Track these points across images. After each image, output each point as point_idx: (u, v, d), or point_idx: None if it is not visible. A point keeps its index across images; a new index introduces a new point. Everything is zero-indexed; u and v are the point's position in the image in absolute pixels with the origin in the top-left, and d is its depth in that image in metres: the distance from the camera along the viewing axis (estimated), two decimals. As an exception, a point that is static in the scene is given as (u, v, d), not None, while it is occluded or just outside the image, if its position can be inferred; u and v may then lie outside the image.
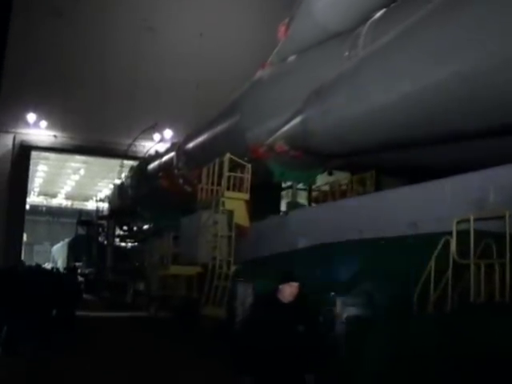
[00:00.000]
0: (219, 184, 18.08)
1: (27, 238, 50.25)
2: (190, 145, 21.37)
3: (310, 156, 15.89)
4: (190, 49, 36.42)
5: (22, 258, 36.30)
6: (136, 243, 31.52)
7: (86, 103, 34.61)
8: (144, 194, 26.83)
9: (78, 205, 64.65)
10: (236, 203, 17.29)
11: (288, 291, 6.53)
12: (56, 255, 55.20)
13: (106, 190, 58.26)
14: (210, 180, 18.24)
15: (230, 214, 17.33)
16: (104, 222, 36.47)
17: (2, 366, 11.70)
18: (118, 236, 34.37)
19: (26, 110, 34.19)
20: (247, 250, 17.20)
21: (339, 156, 14.92)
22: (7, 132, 34.55)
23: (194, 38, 36.47)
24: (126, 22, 36.62)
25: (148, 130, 31.65)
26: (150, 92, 35.36)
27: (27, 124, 34.65)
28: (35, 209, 64.52)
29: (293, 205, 17.82)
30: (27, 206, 42.36)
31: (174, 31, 37.10)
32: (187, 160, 21.74)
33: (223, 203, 17.18)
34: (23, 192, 36.38)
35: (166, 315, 21.14)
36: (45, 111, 34.44)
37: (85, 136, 34.80)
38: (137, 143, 35.10)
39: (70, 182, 60.53)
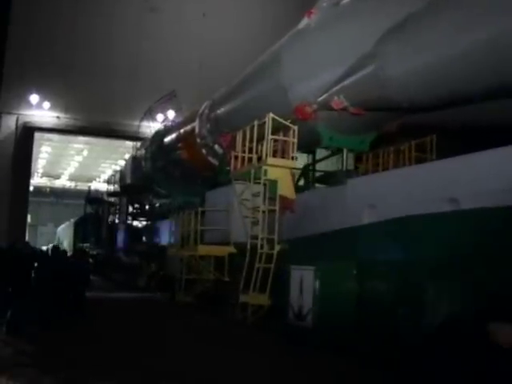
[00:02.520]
0: (256, 151, 14.47)
1: (31, 219, 48.54)
2: (218, 109, 17.57)
3: (375, 112, 12.36)
4: (192, 29, 34.38)
5: (26, 239, 33.52)
6: (149, 222, 27.38)
7: (88, 84, 32.46)
8: (160, 167, 22.94)
9: (81, 186, 61.31)
10: (280, 172, 13.74)
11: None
12: (61, 236, 51.32)
13: (109, 170, 56.00)
14: (246, 146, 14.55)
15: (274, 184, 13.71)
16: (114, 200, 32.54)
17: (8, 344, 10.82)
18: (130, 214, 30.39)
19: (29, 91, 32.00)
20: (294, 226, 13.65)
21: (419, 109, 11.34)
22: (10, 113, 32.40)
23: (196, 19, 34.63)
24: (128, 2, 34.58)
25: (165, 99, 27.68)
26: (152, 72, 33.19)
27: (30, 105, 32.48)
28: (39, 190, 61.11)
29: (344, 173, 14.22)
30: (31, 188, 40.35)
31: (177, 11, 34.75)
32: (213, 127, 18.02)
33: (265, 172, 13.55)
34: (27, 173, 34.28)
35: (189, 300, 17.48)
36: (48, 92, 32.26)
37: (88, 117, 32.91)
38: (140, 124, 32.72)
39: (74, 163, 57.23)
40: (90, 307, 14.78)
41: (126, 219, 28.92)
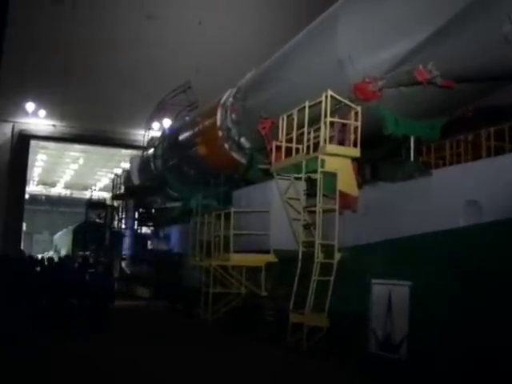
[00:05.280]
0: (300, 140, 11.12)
1: (26, 227, 46.59)
2: (248, 95, 14.13)
3: (472, 83, 9.11)
4: (188, 36, 32.49)
5: (22, 247, 32.42)
6: (159, 227, 23.40)
7: (85, 92, 30.59)
8: (172, 166, 19.30)
9: (77, 194, 58.56)
10: (340, 162, 10.34)
11: None
12: (59, 244, 47.35)
13: (105, 179, 54.27)
14: (293, 133, 11.18)
15: (331, 178, 10.35)
16: (119, 204, 28.85)
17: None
18: (137, 219, 26.48)
19: (25, 99, 30.51)
20: (358, 229, 10.29)
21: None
22: (6, 121, 30.80)
23: (192, 26, 32.77)
24: (125, 9, 32.69)
25: (179, 90, 24.19)
26: (148, 80, 31.00)
27: (26, 113, 30.92)
28: (34, 198, 58.72)
29: (415, 165, 10.93)
30: (26, 196, 38.75)
31: (173, 19, 32.94)
32: (240, 117, 14.55)
33: (323, 162, 10.16)
34: (22, 181, 32.63)
35: (215, 318, 13.99)
36: (44, 100, 30.70)
37: (84, 125, 31.27)
38: (136, 132, 31.08)
39: (69, 171, 55.00)
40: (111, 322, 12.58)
41: (133, 224, 25.14)
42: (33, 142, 33.37)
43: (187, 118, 20.58)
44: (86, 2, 31.69)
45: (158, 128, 28.22)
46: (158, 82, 29.58)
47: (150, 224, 24.46)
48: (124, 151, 38.82)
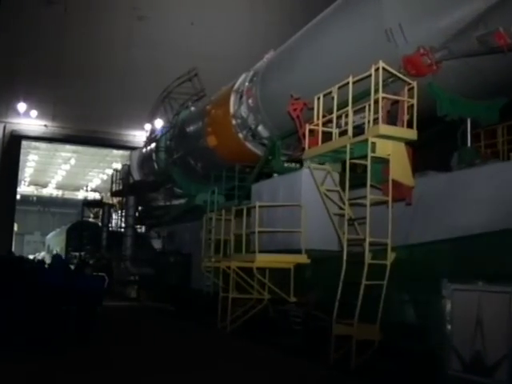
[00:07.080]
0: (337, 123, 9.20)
1: (18, 228, 43.74)
2: (268, 78, 12.12)
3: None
4: (181, 38, 31.39)
5: (13, 248, 31.40)
6: (162, 225, 21.01)
7: (76, 92, 29.43)
8: (178, 160, 17.17)
9: (68, 194, 56.75)
10: (393, 147, 8.40)
11: None
12: (51, 244, 44.86)
13: (96, 179, 53.68)
14: (328, 116, 9.24)
15: (379, 165, 8.44)
16: (118, 201, 26.71)
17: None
18: (138, 217, 24.05)
19: (17, 99, 29.30)
20: (415, 224, 8.38)
21: None
22: None
23: (185, 27, 31.71)
24: (117, 10, 31.60)
25: (184, 78, 22.09)
26: (141, 81, 29.91)
27: (17, 113, 29.64)
28: (26, 199, 56.03)
29: (474, 151, 9.09)
30: (18, 196, 37.07)
31: (165, 20, 31.80)
32: (258, 102, 12.50)
33: (374, 146, 8.23)
34: (14, 182, 31.61)
35: (233, 327, 11.94)
36: (35, 100, 29.47)
37: (75, 125, 30.12)
38: (128, 132, 30.66)
39: (61, 172, 52.99)
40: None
41: (134, 223, 22.90)
42: (24, 143, 32.37)
43: (193, 108, 18.48)
44: (78, 2, 30.72)
45: (150, 129, 26.44)
46: (151, 82, 28.38)
47: (152, 222, 22.26)
48: (116, 152, 38.16)
